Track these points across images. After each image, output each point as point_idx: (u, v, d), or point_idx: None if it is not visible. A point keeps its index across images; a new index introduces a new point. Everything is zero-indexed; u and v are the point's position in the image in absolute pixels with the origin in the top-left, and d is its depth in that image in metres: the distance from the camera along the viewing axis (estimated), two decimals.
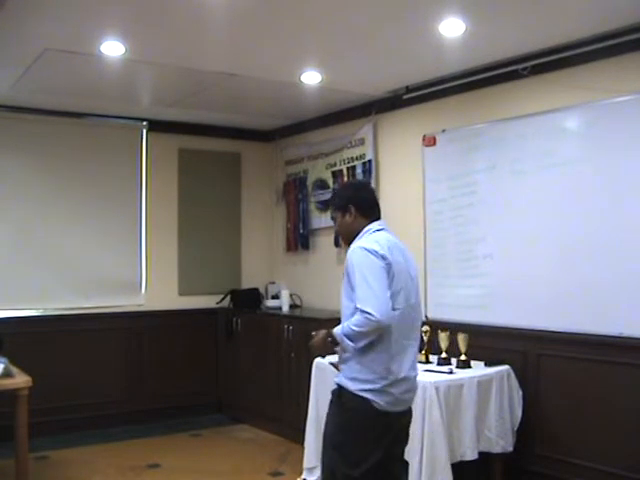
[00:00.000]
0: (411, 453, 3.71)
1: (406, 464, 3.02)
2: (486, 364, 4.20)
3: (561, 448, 4.11)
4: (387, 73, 4.78)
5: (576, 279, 4.02)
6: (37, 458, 4.90)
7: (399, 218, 5.30)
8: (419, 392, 3.73)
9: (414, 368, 2.88)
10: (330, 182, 5.97)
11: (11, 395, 3.94)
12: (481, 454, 3.92)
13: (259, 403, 5.93)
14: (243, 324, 6.18)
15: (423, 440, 3.68)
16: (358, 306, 2.66)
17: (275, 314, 5.93)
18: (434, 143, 4.97)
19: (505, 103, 4.49)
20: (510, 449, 4.08)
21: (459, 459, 3.80)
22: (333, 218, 3.11)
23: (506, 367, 4.19)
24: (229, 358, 6.35)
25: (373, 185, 5.48)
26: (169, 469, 4.90)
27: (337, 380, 2.85)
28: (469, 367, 4.15)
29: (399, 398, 2.78)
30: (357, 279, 2.72)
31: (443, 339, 4.24)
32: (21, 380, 4.01)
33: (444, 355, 4.23)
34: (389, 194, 5.43)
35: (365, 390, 2.72)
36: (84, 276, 5.88)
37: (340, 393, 2.82)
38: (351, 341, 2.70)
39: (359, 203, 2.98)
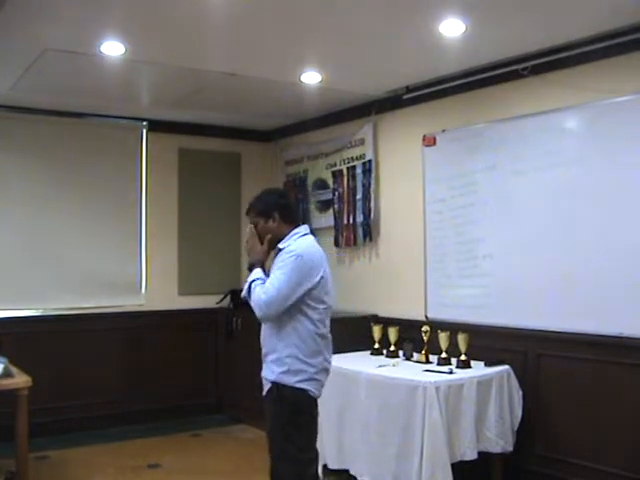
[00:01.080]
0: (411, 453, 3.73)
1: None
2: (486, 364, 4.20)
3: (561, 448, 4.11)
4: (387, 73, 4.78)
5: (576, 279, 4.02)
6: (37, 458, 4.90)
7: (399, 218, 5.32)
8: (419, 392, 3.76)
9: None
10: (330, 182, 5.97)
11: (11, 395, 3.94)
12: (481, 454, 3.92)
13: (259, 403, 5.89)
14: (243, 324, 6.18)
15: (423, 440, 3.68)
16: (267, 285, 2.93)
17: None
18: (434, 143, 4.97)
19: (505, 103, 4.49)
20: (510, 449, 4.09)
21: (459, 459, 3.80)
22: (254, 223, 3.19)
23: (506, 367, 4.19)
24: (229, 358, 6.35)
25: (373, 185, 5.49)
26: (169, 469, 4.90)
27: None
28: (469, 367, 4.15)
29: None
30: (279, 270, 2.94)
31: (443, 339, 4.24)
32: (21, 380, 4.01)
33: (444, 355, 4.23)
34: (389, 194, 5.44)
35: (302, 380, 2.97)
36: (84, 276, 5.87)
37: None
38: (247, 292, 3.04)
39: (282, 210, 3.13)
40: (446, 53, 4.19)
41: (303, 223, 3.22)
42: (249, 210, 3.25)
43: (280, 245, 3.09)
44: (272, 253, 3.16)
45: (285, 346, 2.96)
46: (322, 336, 3.01)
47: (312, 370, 2.97)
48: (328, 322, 3.06)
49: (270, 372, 3.03)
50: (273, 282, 2.92)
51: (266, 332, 3.06)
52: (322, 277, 2.98)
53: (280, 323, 2.96)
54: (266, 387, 3.11)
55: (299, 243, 3.03)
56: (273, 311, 2.91)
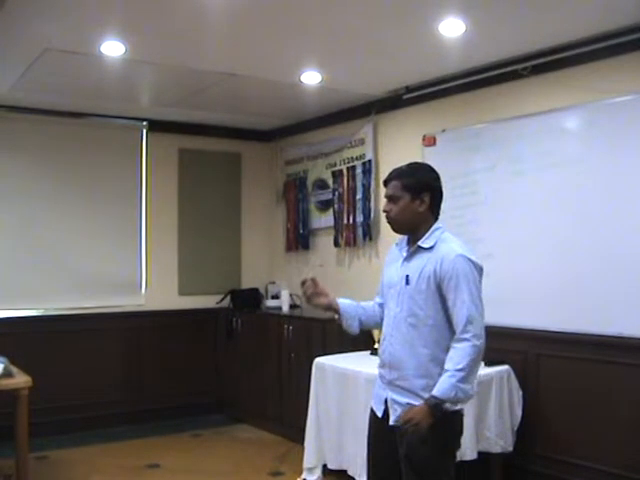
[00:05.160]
0: None
1: None
2: (486, 364, 4.19)
3: (561, 448, 4.11)
4: (387, 73, 4.78)
5: (576, 279, 4.02)
6: (37, 458, 4.90)
7: None
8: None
9: None
10: (330, 182, 5.97)
11: (11, 395, 3.94)
12: (481, 454, 3.92)
13: (259, 403, 5.93)
14: (243, 324, 6.18)
15: None
16: (467, 318, 2.44)
17: (275, 314, 5.93)
18: (434, 143, 4.97)
19: (505, 103, 4.49)
20: (510, 449, 4.09)
21: (459, 459, 3.78)
22: (391, 196, 2.64)
23: (506, 367, 4.19)
24: (229, 358, 6.35)
25: (373, 185, 5.49)
26: (169, 469, 4.90)
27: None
28: None
29: None
30: (465, 293, 2.46)
31: None
32: (21, 380, 4.01)
33: None
34: None
35: None
36: (84, 276, 5.87)
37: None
38: (466, 383, 2.40)
39: (436, 195, 2.67)
40: (446, 53, 4.19)
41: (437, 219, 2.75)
42: (393, 178, 2.66)
43: (422, 243, 2.60)
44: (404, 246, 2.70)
45: None
46: None
47: None
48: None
49: None
50: (466, 309, 2.44)
51: None
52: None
53: None
54: None
55: (453, 243, 2.61)
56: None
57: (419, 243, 2.63)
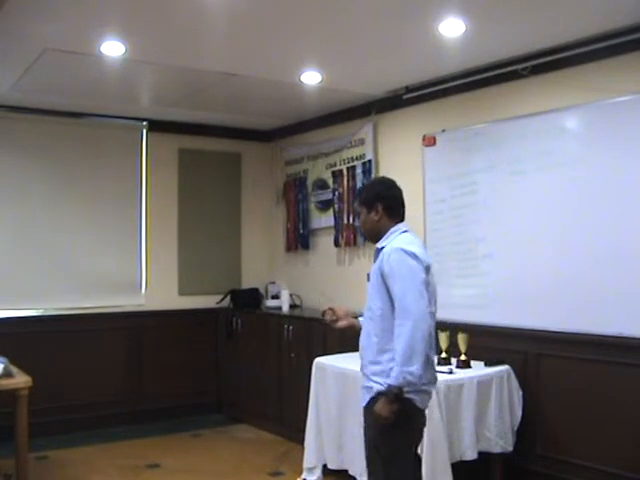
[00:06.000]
0: None
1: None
2: (486, 364, 4.20)
3: (561, 448, 4.11)
4: (387, 73, 4.78)
5: (576, 279, 4.02)
6: (37, 458, 4.90)
7: None
8: None
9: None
10: (330, 182, 5.97)
11: (11, 395, 3.94)
12: (481, 454, 3.92)
13: (259, 403, 5.93)
14: (243, 324, 6.18)
15: (423, 440, 3.67)
16: (397, 305, 2.68)
17: (275, 314, 5.93)
18: (434, 143, 4.97)
19: (505, 103, 4.49)
20: (510, 449, 4.08)
21: (459, 459, 3.80)
22: (357, 212, 3.08)
23: (506, 367, 4.19)
24: (229, 358, 6.35)
25: None
26: (169, 469, 4.90)
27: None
28: (469, 367, 4.14)
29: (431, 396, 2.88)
30: (397, 281, 2.71)
31: (443, 339, 4.24)
32: (21, 380, 4.02)
33: (444, 355, 4.23)
34: None
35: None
36: (84, 276, 5.88)
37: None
38: (410, 365, 2.60)
39: (388, 202, 2.95)
40: (446, 53, 4.19)
41: (401, 221, 3.00)
42: (356, 197, 3.15)
43: (379, 245, 2.91)
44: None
45: None
46: None
47: None
48: None
49: None
50: (400, 297, 2.68)
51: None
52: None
53: None
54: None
55: (399, 239, 2.85)
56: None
57: (377, 245, 2.96)
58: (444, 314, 4.77)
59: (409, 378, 2.61)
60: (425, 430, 3.64)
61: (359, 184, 5.59)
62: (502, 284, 4.44)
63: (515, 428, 4.13)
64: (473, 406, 3.89)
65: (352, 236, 5.66)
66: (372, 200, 2.95)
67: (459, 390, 3.87)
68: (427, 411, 2.93)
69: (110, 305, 5.99)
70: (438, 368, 4.05)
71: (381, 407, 2.68)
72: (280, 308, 6.09)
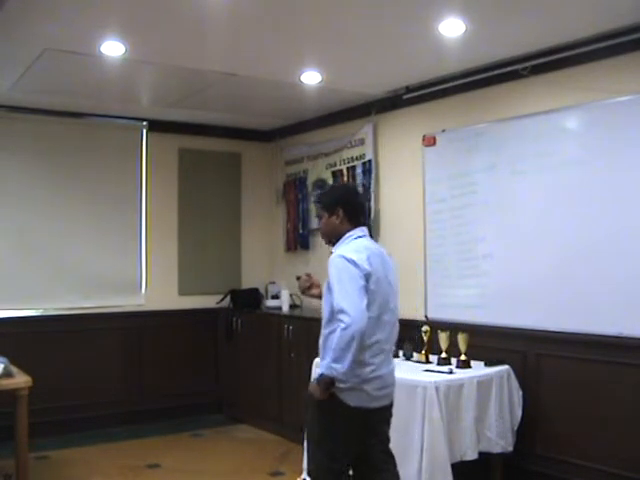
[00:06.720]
0: (411, 453, 3.72)
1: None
2: (486, 364, 4.20)
3: (561, 448, 4.11)
4: (387, 73, 4.78)
5: (576, 279, 4.02)
6: (37, 458, 4.90)
7: (399, 218, 5.32)
8: (419, 392, 3.75)
9: (392, 365, 3.07)
10: (330, 182, 5.96)
11: (11, 395, 3.94)
12: (481, 454, 3.92)
13: (259, 403, 5.93)
14: (243, 324, 6.18)
15: (423, 440, 3.68)
16: (335, 307, 2.81)
17: (275, 314, 5.93)
18: (434, 143, 4.97)
19: (505, 103, 4.49)
20: (510, 449, 4.08)
21: (459, 459, 3.80)
22: (319, 216, 3.17)
23: (506, 367, 4.19)
24: (229, 358, 6.35)
25: (373, 185, 5.49)
26: (169, 469, 4.90)
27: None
28: (469, 367, 4.14)
29: (373, 395, 2.94)
30: (335, 285, 2.85)
31: (443, 339, 4.24)
32: (21, 380, 4.02)
33: (444, 355, 4.23)
34: (389, 194, 5.44)
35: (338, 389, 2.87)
36: (84, 276, 5.88)
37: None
38: (337, 363, 2.77)
39: (348, 207, 3.06)
40: (446, 53, 4.19)
41: (360, 225, 3.09)
42: (316, 201, 3.25)
43: (333, 249, 3.04)
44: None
45: None
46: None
47: None
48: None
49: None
50: (337, 301, 2.82)
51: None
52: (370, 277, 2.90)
53: None
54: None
55: (343, 246, 2.99)
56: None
57: (331, 250, 3.07)
58: (444, 314, 4.81)
59: (334, 373, 2.79)
60: (425, 430, 3.68)
61: (359, 184, 5.60)
62: (502, 284, 4.44)
63: (515, 428, 4.13)
64: (473, 406, 3.89)
65: None
66: (334, 204, 3.06)
67: (459, 390, 3.87)
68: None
69: (110, 305, 5.99)
70: (438, 368, 4.08)
71: (313, 387, 2.93)
72: (280, 308, 6.09)
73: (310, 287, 3.31)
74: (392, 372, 3.06)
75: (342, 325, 2.76)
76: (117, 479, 4.71)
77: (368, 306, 2.83)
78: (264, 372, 5.83)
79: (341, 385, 2.85)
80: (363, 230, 3.07)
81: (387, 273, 3.01)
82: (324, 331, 2.98)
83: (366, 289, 2.85)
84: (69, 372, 5.74)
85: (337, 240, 3.06)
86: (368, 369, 2.89)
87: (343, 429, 2.92)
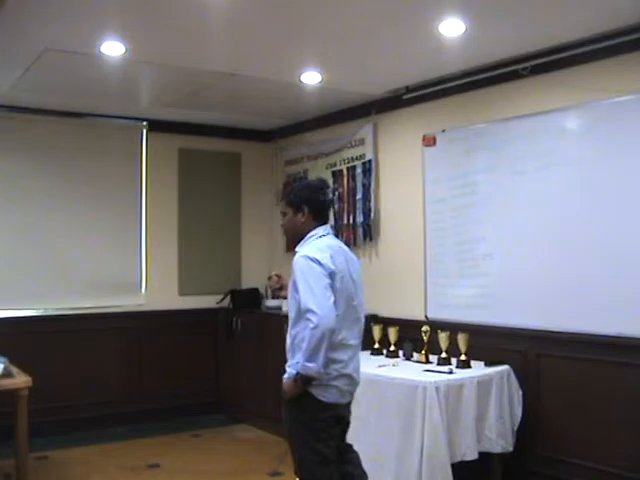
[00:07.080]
0: (411, 453, 3.73)
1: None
2: (486, 364, 4.20)
3: (561, 448, 4.11)
4: (387, 73, 4.78)
5: (576, 279, 4.02)
6: (37, 458, 4.90)
7: (399, 218, 5.32)
8: (419, 392, 3.75)
9: (359, 361, 3.12)
10: (330, 182, 5.96)
11: (11, 395, 3.94)
12: (481, 454, 3.91)
13: (259, 403, 5.93)
14: (243, 324, 6.18)
15: (423, 440, 3.68)
16: (302, 306, 2.83)
17: (275, 314, 5.92)
18: (434, 143, 4.97)
19: (505, 103, 4.49)
20: (510, 449, 4.08)
21: (459, 459, 3.80)
22: (283, 213, 3.14)
23: (506, 367, 4.19)
24: (229, 358, 6.35)
25: (373, 185, 5.49)
26: (169, 469, 4.90)
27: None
28: (469, 367, 4.14)
29: (344, 390, 3.00)
30: (301, 285, 2.85)
31: (443, 339, 4.24)
32: (21, 380, 4.02)
33: (444, 355, 4.23)
34: (389, 194, 5.44)
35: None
36: (84, 276, 5.88)
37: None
38: (310, 362, 2.81)
39: (314, 206, 3.05)
40: (446, 53, 4.19)
41: (324, 223, 3.10)
42: (282, 197, 3.23)
43: (297, 249, 3.03)
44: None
45: None
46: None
47: None
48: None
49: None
50: (303, 301, 2.84)
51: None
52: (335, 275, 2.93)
53: None
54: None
55: (306, 245, 3.00)
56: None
57: (296, 249, 3.05)
58: (444, 314, 4.81)
59: (310, 372, 2.83)
60: (425, 430, 3.68)
61: (359, 184, 5.60)
62: (502, 284, 4.44)
63: (515, 428, 4.13)
64: (473, 406, 3.89)
65: (352, 236, 5.67)
66: (299, 202, 3.05)
67: (459, 390, 3.87)
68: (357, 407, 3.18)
69: (110, 305, 5.99)
70: (438, 368, 4.08)
71: (286, 385, 2.98)
72: (280, 308, 6.08)
73: (280, 288, 3.37)
74: (359, 368, 3.10)
75: (311, 325, 2.78)
76: (117, 479, 4.71)
77: (334, 304, 2.85)
78: (264, 372, 5.83)
79: (314, 382, 2.89)
80: (326, 229, 3.07)
81: (351, 270, 3.03)
82: (292, 331, 2.99)
83: (332, 287, 2.87)
84: (69, 372, 5.74)
85: (300, 239, 3.06)
86: (338, 366, 2.93)
87: (322, 426, 2.96)
